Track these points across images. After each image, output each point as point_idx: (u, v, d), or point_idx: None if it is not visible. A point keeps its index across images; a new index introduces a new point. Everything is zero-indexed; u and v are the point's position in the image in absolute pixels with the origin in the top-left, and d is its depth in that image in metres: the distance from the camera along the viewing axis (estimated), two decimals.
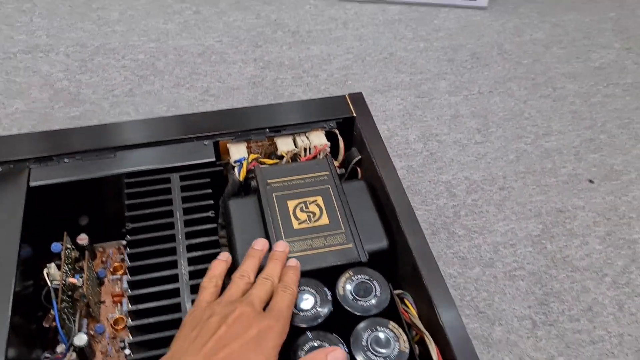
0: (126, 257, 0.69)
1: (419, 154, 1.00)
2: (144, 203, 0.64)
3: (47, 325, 0.63)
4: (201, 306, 0.50)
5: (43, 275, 0.61)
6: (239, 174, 0.68)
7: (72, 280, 0.63)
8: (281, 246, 0.58)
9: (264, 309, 0.50)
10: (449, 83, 1.16)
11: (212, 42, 1.22)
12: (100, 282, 0.72)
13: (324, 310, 0.55)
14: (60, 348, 0.62)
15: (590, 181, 0.97)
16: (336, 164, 0.75)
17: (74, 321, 0.65)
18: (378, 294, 0.57)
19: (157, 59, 1.17)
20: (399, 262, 0.64)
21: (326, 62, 1.19)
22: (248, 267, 0.54)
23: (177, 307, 0.56)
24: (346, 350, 0.52)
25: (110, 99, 1.07)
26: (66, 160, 0.67)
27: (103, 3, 1.30)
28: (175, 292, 0.57)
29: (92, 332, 0.66)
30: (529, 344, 0.75)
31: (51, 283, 0.62)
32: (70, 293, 0.64)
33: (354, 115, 0.75)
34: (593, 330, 0.76)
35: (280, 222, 0.62)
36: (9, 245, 0.58)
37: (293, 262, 0.57)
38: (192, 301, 0.56)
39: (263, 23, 1.28)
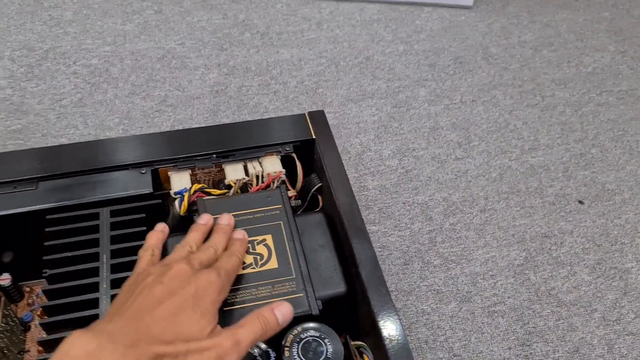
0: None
1: (394, 171, 0.93)
2: (67, 244, 0.57)
3: None
4: (137, 272, 0.49)
5: None
6: (180, 208, 0.62)
7: None
8: (226, 219, 0.57)
9: None
10: (429, 91, 1.09)
11: (173, 45, 1.15)
12: (25, 327, 0.65)
13: None
14: None
15: (580, 202, 0.90)
16: (293, 192, 0.69)
17: None
18: (330, 355, 0.50)
19: (112, 65, 1.09)
20: (358, 310, 0.57)
21: (297, 67, 1.12)
22: (190, 238, 0.53)
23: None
24: None
25: (58, 109, 0.99)
26: None
27: (56, 1, 1.22)
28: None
29: None
30: None
31: None
32: None
33: (314, 137, 0.68)
34: None
35: None
36: None
37: (240, 233, 0.56)
38: None
39: (230, 24, 1.21)
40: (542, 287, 0.79)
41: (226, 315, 0.52)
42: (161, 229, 0.56)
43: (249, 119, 1.01)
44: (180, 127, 0.98)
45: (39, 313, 0.66)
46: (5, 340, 0.58)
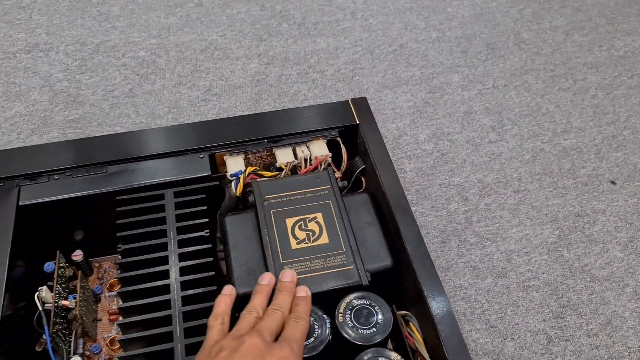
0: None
1: (430, 154, 0.97)
2: (137, 222, 0.62)
3: (39, 349, 0.62)
4: (210, 345, 0.48)
5: (35, 299, 0.60)
6: (236, 189, 0.66)
7: (64, 302, 0.62)
8: (288, 276, 0.56)
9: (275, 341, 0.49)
10: (462, 77, 1.12)
11: (215, 37, 1.19)
12: (97, 299, 0.71)
13: (323, 339, 0.53)
14: None
15: (612, 182, 0.93)
16: (339, 174, 0.73)
17: (69, 342, 0.64)
18: (380, 321, 0.55)
19: (158, 56, 1.14)
20: (404, 282, 0.61)
21: (333, 56, 1.16)
22: (256, 302, 0.52)
23: (169, 336, 0.54)
24: None
25: (110, 100, 1.05)
26: (56, 177, 0.65)
27: None
28: (168, 320, 0.55)
29: (87, 353, 0.65)
30: None
31: (43, 306, 0.61)
32: (64, 314, 0.63)
33: (357, 122, 0.72)
34: (612, 346, 0.73)
35: (277, 243, 0.60)
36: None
37: (303, 291, 0.55)
38: (185, 329, 0.54)
39: (268, 15, 1.25)
40: (576, 263, 0.82)
41: None
42: (229, 293, 0.54)
43: (290, 106, 1.05)
44: (225, 115, 1.03)
45: (107, 286, 0.72)
46: (83, 309, 0.64)
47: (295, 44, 1.19)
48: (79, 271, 0.67)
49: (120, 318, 0.57)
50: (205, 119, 1.00)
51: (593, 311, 0.77)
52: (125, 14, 1.24)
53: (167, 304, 0.56)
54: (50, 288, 0.63)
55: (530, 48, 1.19)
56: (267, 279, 0.55)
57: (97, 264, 0.74)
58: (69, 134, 0.99)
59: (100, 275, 0.73)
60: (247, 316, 0.50)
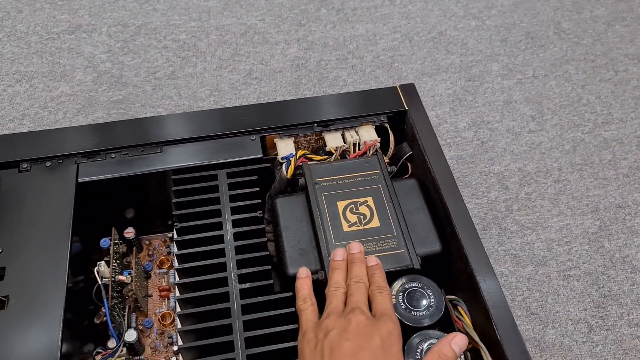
0: (173, 251, 0.70)
1: (470, 142, 0.97)
2: (192, 201, 0.64)
3: (97, 321, 0.64)
4: (310, 327, 0.49)
5: (94, 272, 0.62)
6: (287, 171, 0.67)
7: (121, 277, 0.64)
8: (356, 248, 0.57)
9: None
10: (501, 65, 1.11)
11: (254, 21, 1.20)
12: (147, 275, 0.72)
13: None
14: (112, 343, 0.63)
15: None
16: (386, 159, 0.73)
17: (123, 316, 0.66)
18: (432, 304, 0.56)
19: (199, 39, 1.15)
20: (452, 267, 0.62)
21: (372, 42, 1.16)
22: (338, 278, 0.54)
23: (226, 312, 0.56)
24: None
25: (153, 81, 1.07)
26: (113, 155, 0.67)
27: None
28: (225, 297, 0.57)
29: (140, 327, 0.67)
30: (584, 349, 0.72)
31: (101, 280, 0.63)
32: (119, 289, 0.65)
33: (406, 108, 0.72)
34: None
35: (329, 224, 0.61)
36: (61, 241, 0.59)
37: (373, 260, 0.56)
38: (242, 306, 0.56)
39: (306, 0, 1.25)
40: (617, 254, 0.82)
41: None
42: (307, 275, 0.55)
43: (329, 92, 1.05)
44: (266, 99, 1.04)
45: (157, 263, 0.74)
46: (137, 284, 0.66)
47: (334, 29, 1.19)
48: (134, 248, 0.69)
49: (177, 293, 0.58)
50: (246, 103, 1.02)
51: (634, 302, 0.77)
52: None
53: (224, 282, 0.58)
54: (107, 263, 0.64)
55: (571, 38, 1.18)
56: (340, 254, 0.56)
57: (147, 242, 0.75)
58: (114, 114, 1.01)
59: (150, 252, 0.74)
60: (335, 293, 0.52)
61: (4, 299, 0.55)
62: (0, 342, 0.52)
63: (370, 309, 0.50)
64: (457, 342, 0.48)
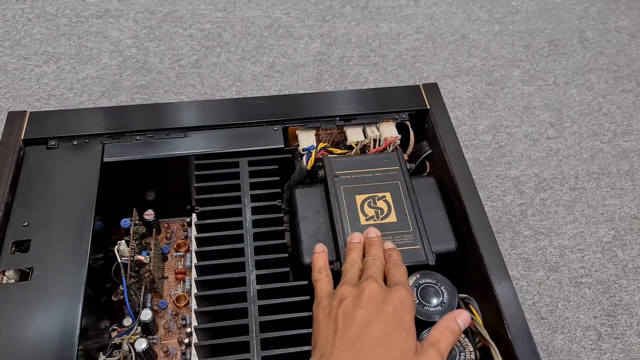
0: (190, 235, 0.71)
1: (488, 146, 0.97)
2: (213, 187, 0.65)
3: (115, 299, 0.65)
4: (325, 295, 0.51)
5: (114, 250, 0.63)
6: (307, 163, 0.68)
7: (139, 257, 0.65)
8: (373, 232, 0.59)
9: None
10: (523, 71, 1.11)
11: (279, 15, 1.21)
12: (164, 257, 0.74)
13: None
14: (127, 321, 0.65)
15: None
16: (405, 156, 0.74)
17: (140, 296, 0.67)
18: (445, 300, 0.56)
19: (224, 30, 1.16)
20: (466, 266, 0.63)
21: (395, 41, 1.16)
22: (354, 256, 0.55)
23: (242, 296, 0.57)
24: None
25: (177, 69, 1.08)
26: (138, 137, 0.68)
27: None
28: (242, 281, 0.58)
29: (155, 307, 0.68)
30: (592, 356, 0.73)
31: (120, 259, 0.64)
32: (137, 269, 0.66)
33: (428, 107, 0.73)
34: None
35: (347, 217, 0.62)
36: (84, 218, 0.60)
37: (390, 244, 0.58)
38: (258, 291, 0.57)
39: None
40: (630, 264, 0.82)
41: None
42: (322, 249, 0.57)
43: (350, 88, 1.06)
44: (288, 92, 1.05)
45: (175, 246, 0.75)
46: (154, 265, 0.67)
47: (357, 26, 1.19)
48: (153, 229, 0.70)
49: (194, 276, 0.60)
50: (267, 95, 1.02)
51: None
52: None
53: (241, 267, 0.59)
54: (127, 243, 0.66)
55: (594, 47, 1.18)
56: (357, 237, 0.58)
57: (165, 225, 0.77)
58: (137, 99, 1.02)
59: (168, 235, 0.76)
60: (351, 268, 0.53)
61: (29, 270, 0.56)
62: (24, 310, 0.53)
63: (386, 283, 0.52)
64: (462, 317, 0.50)
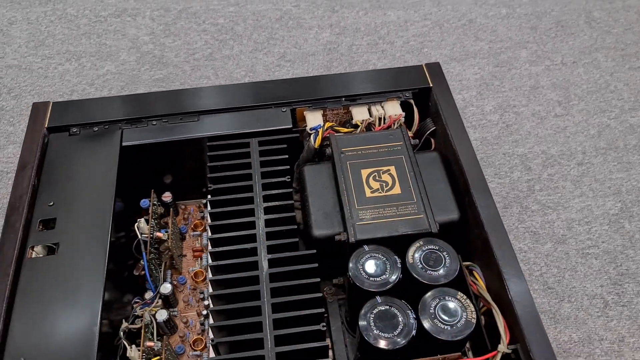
0: (206, 215, 0.74)
1: (495, 125, 0.98)
2: (225, 166, 0.68)
3: (136, 274, 0.69)
4: None
5: (134, 228, 0.67)
6: (315, 141, 0.71)
7: (158, 234, 0.68)
8: None
9: None
10: (530, 52, 1.12)
11: (289, 7, 1.23)
12: (182, 237, 0.77)
13: (393, 277, 0.57)
14: (148, 295, 0.68)
15: None
16: (410, 134, 0.76)
17: (160, 272, 0.70)
18: (447, 264, 0.58)
19: (236, 24, 1.19)
20: (470, 235, 0.64)
21: (402, 28, 1.18)
22: None
23: (254, 265, 0.59)
24: (414, 316, 0.54)
25: (192, 62, 1.11)
26: (154, 122, 0.71)
27: None
28: (253, 251, 0.60)
29: (175, 282, 0.71)
30: (598, 323, 0.74)
31: (141, 236, 0.67)
32: (156, 246, 0.70)
33: (431, 85, 0.74)
34: None
35: (353, 190, 0.64)
36: (106, 198, 0.64)
37: None
38: (269, 261, 0.59)
39: None
40: (637, 235, 0.82)
41: (358, 230, 0.60)
42: None
43: None
44: None
45: (192, 226, 0.78)
46: (173, 242, 0.70)
47: (366, 15, 1.21)
48: (171, 209, 0.73)
49: (210, 248, 0.63)
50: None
51: None
52: None
53: (252, 238, 0.61)
54: (146, 222, 0.69)
55: (602, 27, 1.18)
56: None
57: (182, 207, 0.80)
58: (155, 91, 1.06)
59: (185, 216, 0.79)
60: None
61: (55, 246, 0.60)
62: (52, 281, 0.57)
63: None
64: None
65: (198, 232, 0.76)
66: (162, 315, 0.63)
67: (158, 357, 0.59)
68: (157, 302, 0.66)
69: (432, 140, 0.76)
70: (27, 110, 1.03)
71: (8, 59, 1.12)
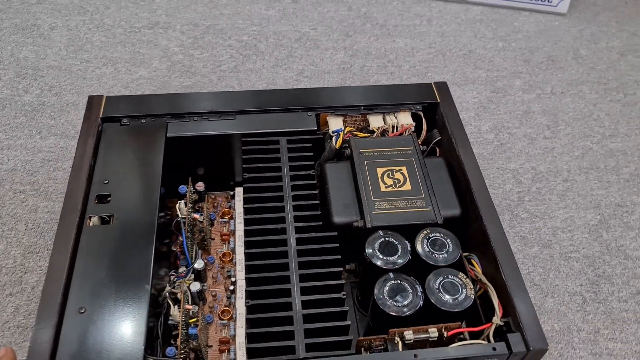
0: (235, 205, 0.81)
1: (490, 143, 1.07)
2: (258, 158, 0.75)
3: (174, 249, 0.76)
4: None
5: (175, 208, 0.74)
6: (336, 143, 0.79)
7: (195, 215, 0.75)
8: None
9: None
10: (523, 82, 1.22)
11: (307, 30, 1.33)
12: (211, 222, 0.84)
13: (404, 258, 0.65)
14: (182, 269, 0.75)
15: None
16: (418, 141, 0.84)
17: (192, 251, 0.77)
18: (450, 249, 0.66)
19: (259, 41, 1.28)
20: (469, 229, 0.72)
21: (409, 54, 1.27)
22: None
23: (284, 242, 0.67)
24: (421, 290, 0.62)
25: (218, 73, 1.20)
26: (195, 118, 0.79)
27: None
28: (283, 230, 0.68)
29: (205, 261, 0.78)
30: (577, 316, 0.82)
31: (180, 216, 0.74)
32: (191, 227, 0.77)
33: (438, 101, 0.83)
34: (639, 311, 0.82)
35: (370, 185, 0.72)
36: (154, 181, 0.71)
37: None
38: (297, 240, 0.67)
39: (354, 15, 1.38)
40: (613, 243, 0.91)
41: (374, 218, 0.68)
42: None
43: None
44: None
45: (220, 214, 0.85)
46: (204, 227, 0.77)
47: (376, 41, 1.31)
48: (205, 196, 0.81)
49: (237, 236, 0.70)
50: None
51: (625, 282, 0.86)
52: (231, 3, 1.39)
53: (282, 220, 0.69)
54: (185, 204, 0.76)
55: (587, 63, 1.28)
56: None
57: (212, 197, 0.87)
58: None
59: (215, 205, 0.86)
60: None
61: (109, 218, 0.67)
62: (110, 247, 0.63)
63: None
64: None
65: (226, 219, 0.83)
66: (195, 286, 0.70)
67: (195, 319, 0.65)
68: (190, 277, 0.73)
69: (437, 149, 0.84)
70: (67, 107, 1.10)
71: (49, 60, 1.20)
